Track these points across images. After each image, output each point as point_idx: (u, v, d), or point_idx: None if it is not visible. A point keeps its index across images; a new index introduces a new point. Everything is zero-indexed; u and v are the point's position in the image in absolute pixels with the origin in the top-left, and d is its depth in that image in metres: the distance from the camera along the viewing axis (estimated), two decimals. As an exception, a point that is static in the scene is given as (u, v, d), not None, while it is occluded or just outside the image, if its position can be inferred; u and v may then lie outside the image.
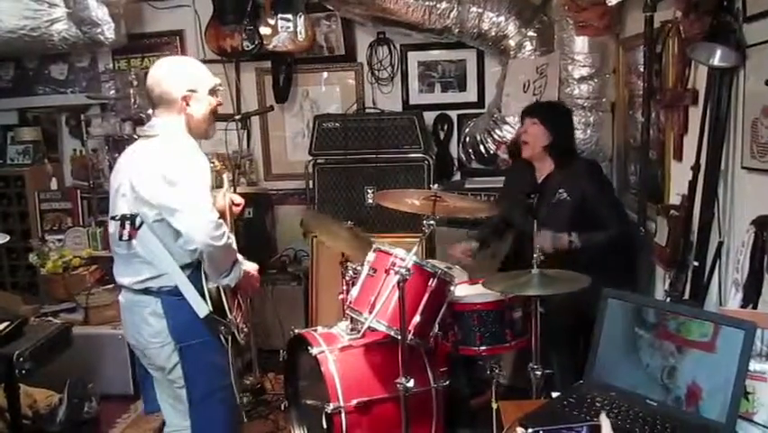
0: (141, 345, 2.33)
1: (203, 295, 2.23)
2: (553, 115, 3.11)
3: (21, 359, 2.77)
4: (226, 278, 2.26)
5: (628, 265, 3.01)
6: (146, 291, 2.25)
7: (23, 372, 2.77)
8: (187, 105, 2.28)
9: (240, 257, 2.36)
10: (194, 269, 2.23)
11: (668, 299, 2.54)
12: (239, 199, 2.65)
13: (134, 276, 2.26)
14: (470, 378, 3.13)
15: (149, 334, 2.28)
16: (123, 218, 2.24)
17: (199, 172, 2.18)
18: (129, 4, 4.19)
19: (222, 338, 2.28)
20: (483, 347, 2.75)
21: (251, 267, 2.51)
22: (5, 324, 2.89)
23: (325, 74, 4.56)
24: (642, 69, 2.92)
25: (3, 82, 4.82)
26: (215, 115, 2.40)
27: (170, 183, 2.13)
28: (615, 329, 1.62)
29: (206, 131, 2.39)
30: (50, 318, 3.67)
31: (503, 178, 3.53)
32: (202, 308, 2.22)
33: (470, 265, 3.18)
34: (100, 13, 4.04)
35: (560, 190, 2.97)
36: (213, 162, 2.69)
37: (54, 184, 4.74)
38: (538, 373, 2.38)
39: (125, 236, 2.23)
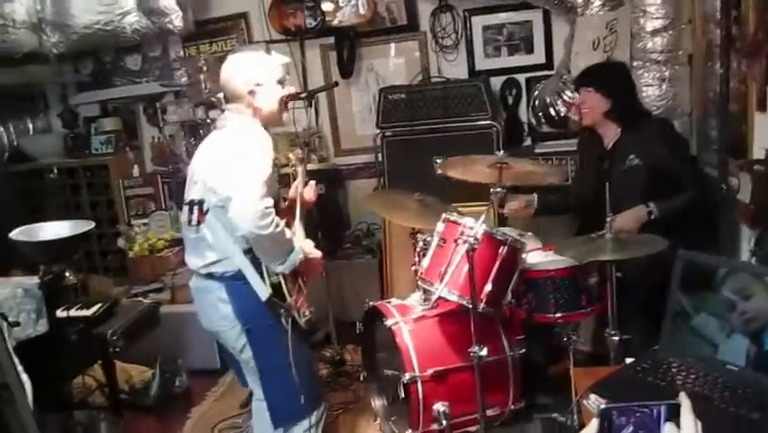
0: (212, 327, 2.45)
1: (263, 279, 2.30)
2: (608, 78, 2.98)
3: (114, 337, 2.94)
4: (281, 265, 2.30)
5: (708, 225, 2.88)
6: (211, 276, 2.36)
7: (117, 349, 2.95)
8: (254, 98, 2.39)
9: (297, 244, 2.38)
10: (255, 254, 2.30)
11: (753, 259, 2.43)
12: (308, 196, 2.68)
13: (201, 260, 2.37)
14: (547, 345, 3.10)
15: (217, 318, 2.39)
16: (192, 203, 2.36)
17: (255, 162, 2.22)
18: (194, -9, 4.30)
19: (283, 321, 2.34)
20: (558, 314, 2.71)
21: (315, 254, 2.56)
22: (98, 305, 3.07)
23: (392, 45, 4.52)
24: (719, 17, 2.76)
25: (83, 76, 5.04)
26: (286, 104, 2.50)
27: (227, 170, 2.22)
28: (693, 291, 1.56)
29: (279, 119, 2.50)
30: (139, 299, 3.87)
31: (574, 141, 3.42)
32: (263, 292, 2.29)
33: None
34: (167, 2, 4.18)
35: (630, 156, 2.85)
36: (289, 157, 2.77)
37: (136, 171, 4.96)
38: (615, 338, 2.33)
39: (194, 221, 2.35)
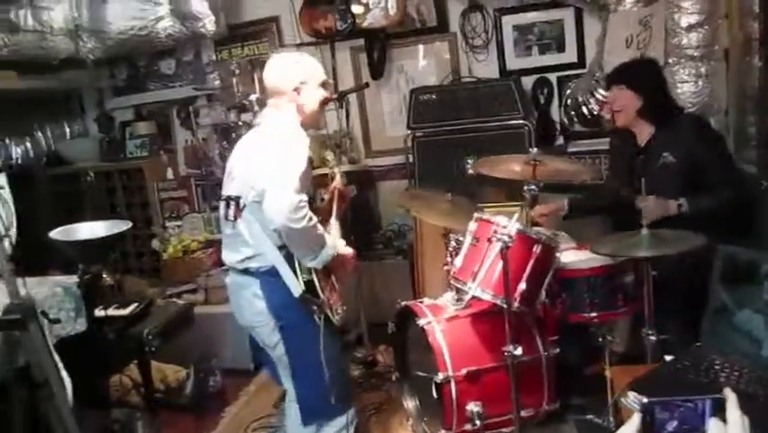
0: (248, 323, 2.48)
1: (296, 275, 2.32)
2: (640, 75, 2.92)
3: (150, 337, 2.99)
4: (313, 261, 2.32)
5: (748, 221, 2.81)
6: (247, 272, 2.39)
7: (153, 349, 3.00)
8: (299, 95, 2.43)
9: (329, 241, 2.41)
10: (289, 250, 2.33)
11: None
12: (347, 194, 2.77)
13: (237, 255, 2.40)
14: (582, 346, 3.05)
15: (252, 313, 2.42)
16: (229, 199, 2.39)
17: (291, 158, 2.25)
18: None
19: (315, 318, 2.35)
20: (594, 314, 2.67)
21: (346, 251, 2.58)
22: (135, 305, 3.13)
23: (422, 46, 4.52)
24: (758, 11, 2.70)
25: (119, 81, 5.15)
26: (324, 107, 2.55)
27: (263, 165, 2.25)
28: (734, 286, 1.53)
29: (318, 121, 2.56)
30: (173, 300, 3.92)
31: (607, 139, 3.38)
32: (295, 288, 2.32)
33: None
34: (200, 6, 4.24)
35: (664, 154, 2.79)
36: (327, 159, 2.82)
37: (170, 174, 5.04)
38: (652, 338, 2.29)
39: (230, 216, 2.39)
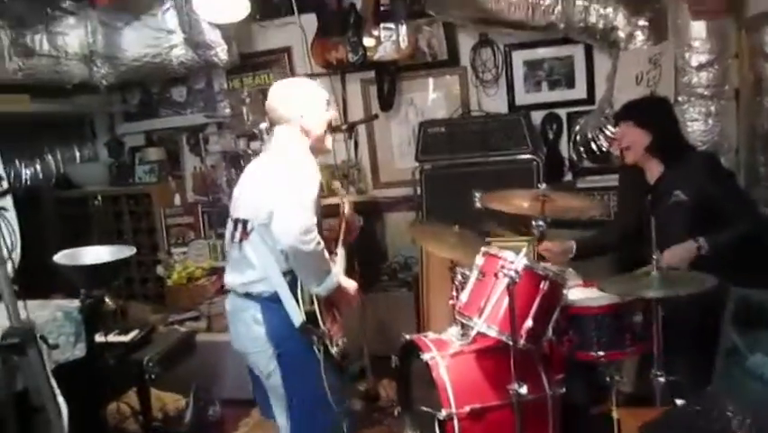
0: (244, 348, 2.45)
1: (298, 304, 2.30)
2: (649, 112, 2.92)
3: (150, 364, 2.96)
4: (318, 287, 2.31)
5: (759, 261, 2.77)
6: (248, 296, 2.37)
7: (153, 376, 2.96)
8: (304, 122, 2.44)
9: (335, 271, 2.40)
10: (293, 277, 2.31)
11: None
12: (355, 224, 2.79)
13: (241, 278, 2.39)
14: (588, 385, 2.99)
15: (250, 339, 2.39)
16: (237, 221, 2.41)
17: (303, 179, 2.26)
18: (239, 26, 4.37)
19: (315, 348, 2.32)
20: (601, 352, 2.62)
21: (349, 284, 2.56)
22: (136, 332, 3.10)
23: (430, 80, 4.55)
24: (768, 51, 2.70)
25: (131, 107, 5.19)
26: (331, 127, 2.56)
27: (274, 187, 2.26)
28: (746, 329, 1.49)
29: (325, 144, 2.55)
30: (176, 326, 3.89)
31: (617, 176, 3.36)
32: (297, 317, 2.29)
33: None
34: (213, 36, 4.28)
35: (675, 192, 2.76)
36: (335, 186, 2.83)
37: (177, 200, 5.04)
38: (662, 379, 2.24)
39: (237, 238, 2.39)
